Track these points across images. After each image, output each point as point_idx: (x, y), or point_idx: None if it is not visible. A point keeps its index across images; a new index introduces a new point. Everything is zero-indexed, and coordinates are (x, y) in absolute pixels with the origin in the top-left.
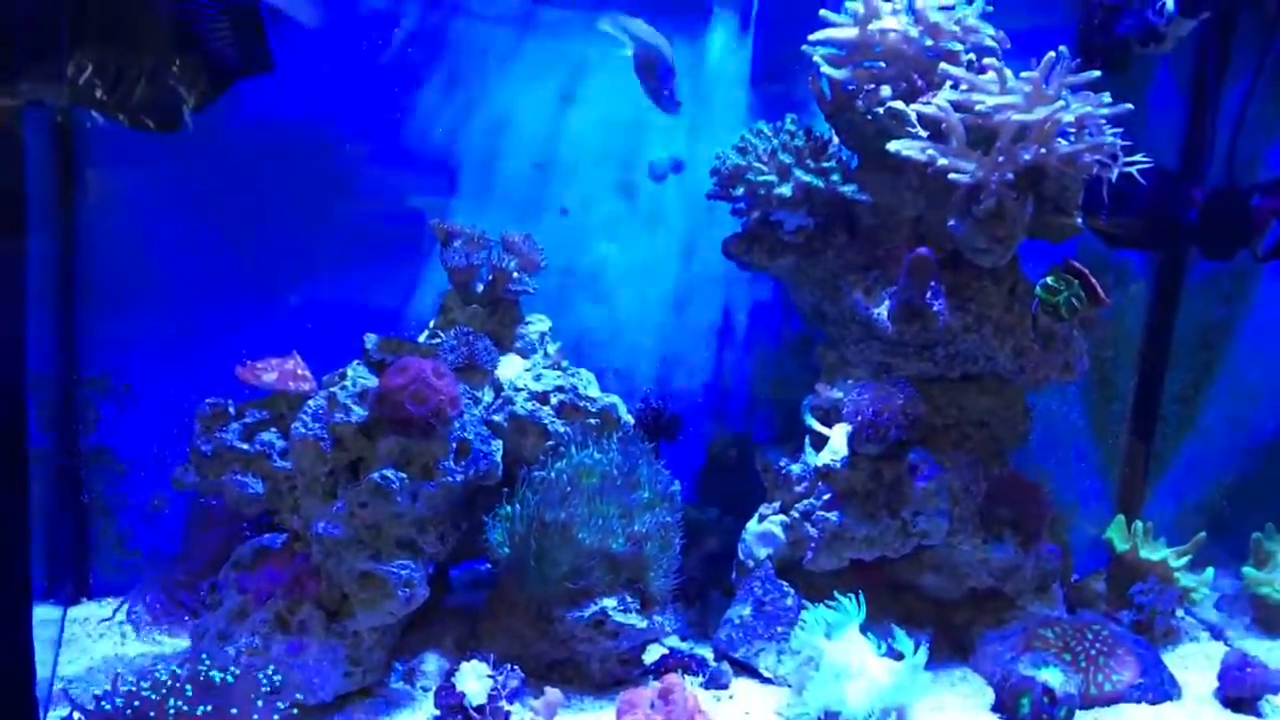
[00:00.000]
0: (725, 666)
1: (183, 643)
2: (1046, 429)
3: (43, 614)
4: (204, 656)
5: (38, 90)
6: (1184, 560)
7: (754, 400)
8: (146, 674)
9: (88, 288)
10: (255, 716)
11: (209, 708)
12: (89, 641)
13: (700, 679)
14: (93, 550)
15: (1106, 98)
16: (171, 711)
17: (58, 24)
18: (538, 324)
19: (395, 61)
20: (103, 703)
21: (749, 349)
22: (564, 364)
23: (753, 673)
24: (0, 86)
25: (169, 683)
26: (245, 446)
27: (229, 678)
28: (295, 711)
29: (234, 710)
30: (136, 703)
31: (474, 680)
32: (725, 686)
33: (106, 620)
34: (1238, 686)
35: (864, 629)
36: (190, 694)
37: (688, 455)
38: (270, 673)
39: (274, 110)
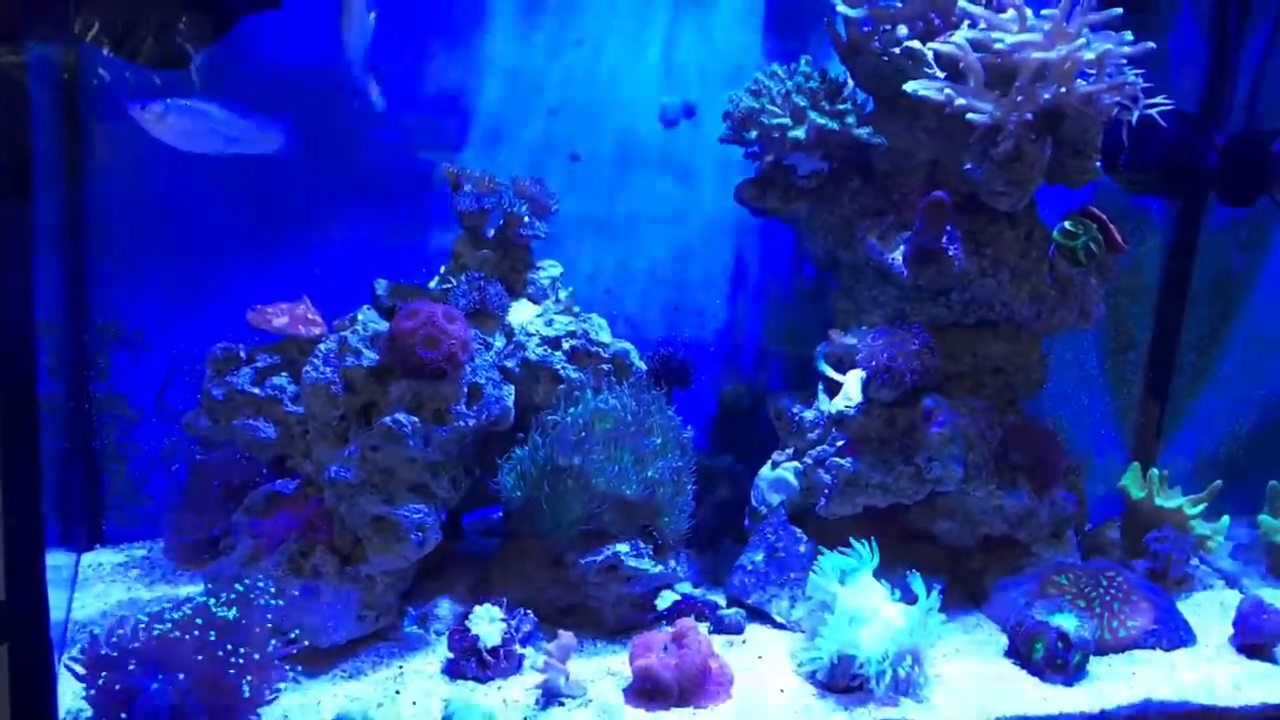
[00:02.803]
0: (740, 612)
1: (197, 588)
2: (1062, 377)
3: (56, 560)
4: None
5: (43, 39)
6: (1199, 508)
7: (766, 348)
8: (159, 616)
9: (98, 235)
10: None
11: (218, 639)
12: (102, 586)
13: (711, 625)
14: (105, 497)
15: (1128, 36)
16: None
17: None
18: (549, 269)
19: (406, 7)
20: (115, 634)
21: (761, 296)
22: (575, 309)
23: (765, 618)
24: (4, 36)
25: (180, 618)
26: (256, 391)
27: (233, 611)
28: (306, 643)
29: (243, 648)
30: (144, 637)
31: (487, 623)
32: (740, 631)
33: (120, 564)
34: (1253, 633)
35: (877, 575)
36: (201, 625)
37: (700, 403)
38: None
39: (284, 58)
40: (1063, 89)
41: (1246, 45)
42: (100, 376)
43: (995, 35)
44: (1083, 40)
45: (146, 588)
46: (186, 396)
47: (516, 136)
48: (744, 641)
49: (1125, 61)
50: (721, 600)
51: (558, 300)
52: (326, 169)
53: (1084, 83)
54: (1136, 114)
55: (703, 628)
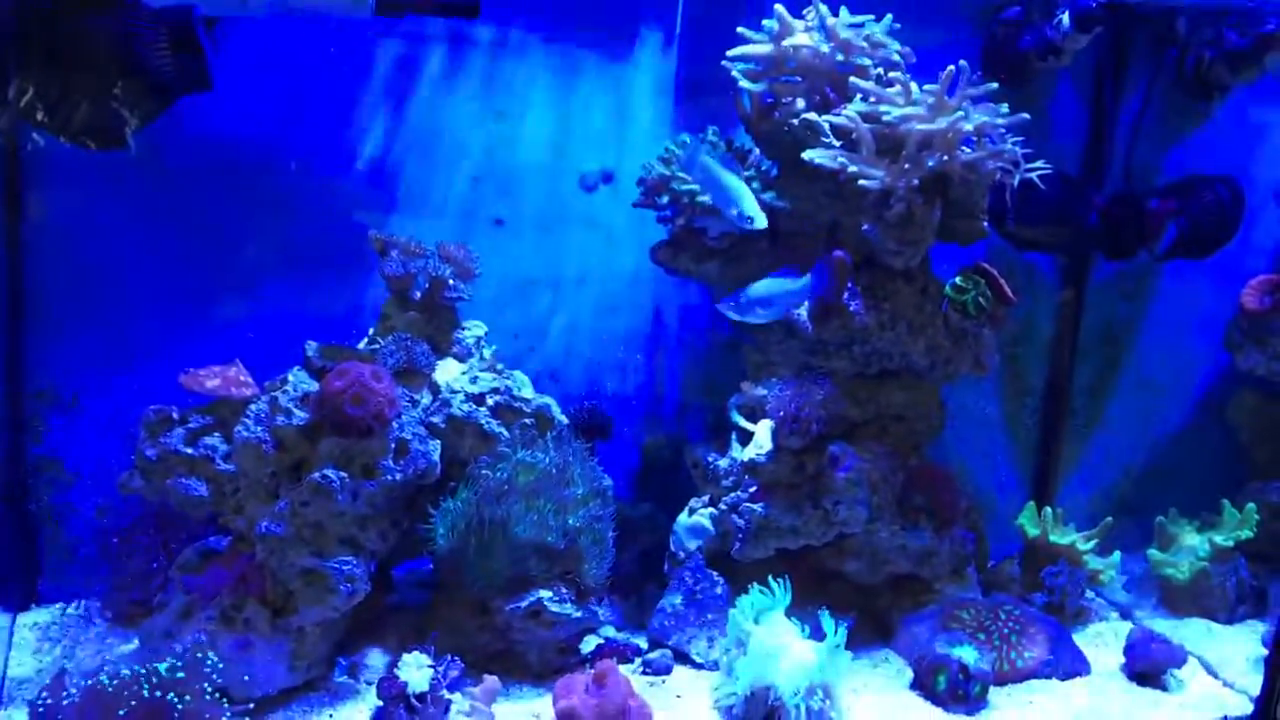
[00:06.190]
0: (666, 653)
1: (130, 646)
2: (964, 422)
3: None
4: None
5: None
6: (1091, 544)
7: (685, 400)
8: (95, 674)
9: (34, 302)
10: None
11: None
12: (37, 644)
13: (643, 666)
14: (41, 558)
15: (1005, 108)
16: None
17: None
18: (474, 329)
19: (336, 80)
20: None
21: (679, 351)
22: (499, 367)
23: (685, 659)
24: None
25: (120, 676)
26: (189, 450)
27: (178, 673)
28: (251, 706)
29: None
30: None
31: (415, 670)
32: (668, 672)
33: (55, 623)
34: (1143, 661)
35: (791, 614)
36: (142, 684)
37: (622, 454)
38: (214, 661)
39: (216, 128)
40: (946, 157)
41: (1121, 112)
42: (35, 440)
43: (884, 108)
44: (962, 113)
45: (81, 646)
46: (121, 457)
47: (442, 203)
48: (664, 682)
49: (1004, 130)
50: (644, 643)
51: (482, 359)
52: (259, 237)
53: (967, 150)
54: (1018, 178)
55: (629, 669)
